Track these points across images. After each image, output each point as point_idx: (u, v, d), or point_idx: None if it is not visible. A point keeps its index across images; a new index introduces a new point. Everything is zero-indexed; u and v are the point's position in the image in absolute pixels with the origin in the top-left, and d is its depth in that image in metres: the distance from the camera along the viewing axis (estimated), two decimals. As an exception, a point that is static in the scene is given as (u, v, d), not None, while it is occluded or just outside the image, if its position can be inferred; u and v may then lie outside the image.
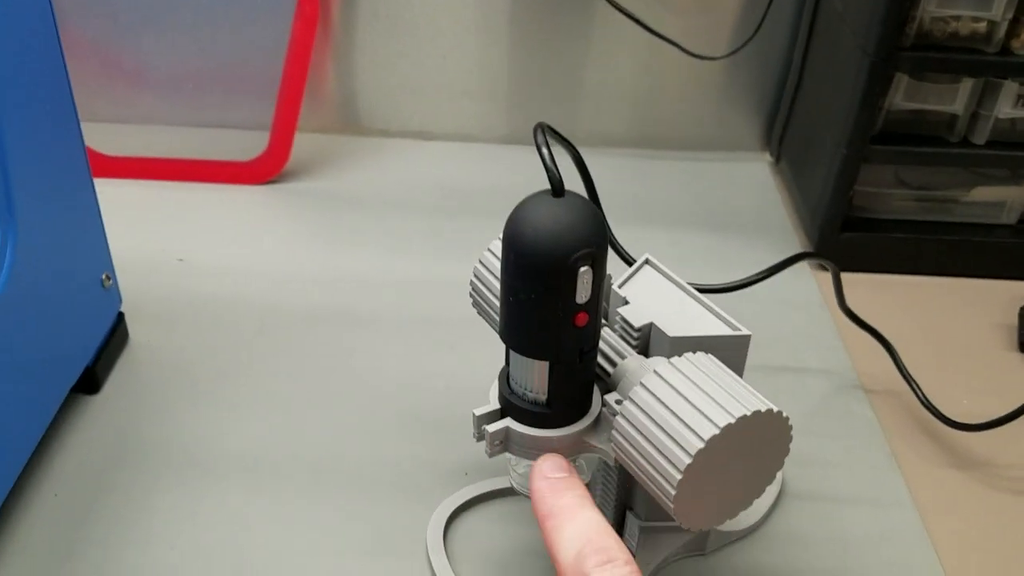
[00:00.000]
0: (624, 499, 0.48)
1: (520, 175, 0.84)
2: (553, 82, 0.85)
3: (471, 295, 0.48)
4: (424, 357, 0.61)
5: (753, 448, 0.37)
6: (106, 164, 0.77)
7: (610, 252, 0.56)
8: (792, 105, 0.82)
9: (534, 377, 0.39)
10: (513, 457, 0.44)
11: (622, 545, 0.35)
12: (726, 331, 0.41)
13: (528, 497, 0.44)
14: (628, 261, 0.53)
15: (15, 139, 0.46)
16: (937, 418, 0.56)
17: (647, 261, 0.46)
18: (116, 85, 0.84)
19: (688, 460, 0.35)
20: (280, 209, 0.76)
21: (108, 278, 0.57)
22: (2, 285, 0.46)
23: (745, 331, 0.41)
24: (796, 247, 0.74)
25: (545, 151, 0.36)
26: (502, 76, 0.84)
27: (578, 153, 0.47)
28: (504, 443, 0.41)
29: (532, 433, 0.40)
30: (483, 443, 0.41)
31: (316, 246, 0.72)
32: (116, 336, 0.59)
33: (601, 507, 0.49)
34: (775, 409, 0.36)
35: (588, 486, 0.50)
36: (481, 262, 0.46)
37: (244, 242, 0.72)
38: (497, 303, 0.44)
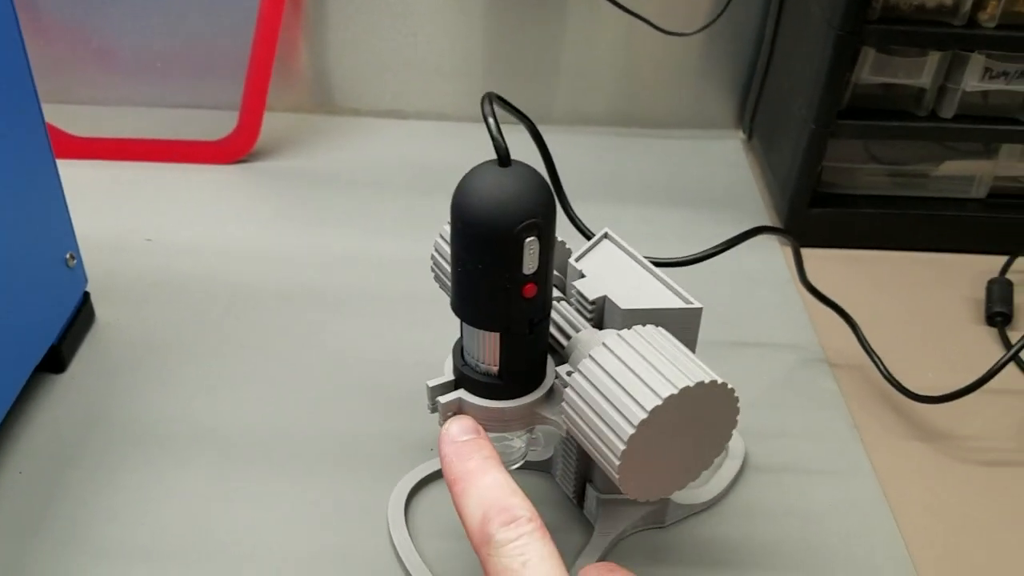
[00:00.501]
0: (584, 472, 0.48)
1: (493, 154, 0.84)
2: (527, 60, 0.85)
3: (432, 268, 0.48)
4: (394, 334, 0.61)
5: (700, 419, 0.37)
6: (76, 145, 0.77)
7: (569, 227, 0.56)
8: (763, 82, 0.82)
9: (485, 348, 0.39)
10: (471, 430, 0.44)
11: (527, 503, 0.35)
12: (678, 304, 0.42)
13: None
14: (587, 235, 0.54)
15: None
16: (899, 391, 0.56)
17: (606, 235, 0.46)
18: (85, 66, 0.83)
19: (631, 431, 0.35)
20: (250, 188, 0.76)
21: (72, 257, 0.57)
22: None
23: (696, 304, 0.41)
24: (766, 223, 0.74)
25: (491, 121, 0.36)
26: (475, 54, 0.84)
27: (534, 126, 0.47)
28: (457, 414, 0.41)
29: (484, 404, 0.40)
30: (438, 415, 0.41)
31: (286, 225, 0.72)
32: (82, 315, 0.59)
33: (561, 480, 0.50)
34: (719, 380, 0.36)
35: (550, 460, 0.51)
36: (441, 235, 0.47)
37: (213, 221, 0.72)
38: None
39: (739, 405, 0.38)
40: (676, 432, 0.37)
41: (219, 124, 0.79)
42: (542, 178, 0.37)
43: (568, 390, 0.38)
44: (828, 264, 0.69)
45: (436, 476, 0.51)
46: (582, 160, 0.83)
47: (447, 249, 0.45)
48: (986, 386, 0.54)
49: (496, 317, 0.38)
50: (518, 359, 0.40)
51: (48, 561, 0.46)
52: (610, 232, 0.46)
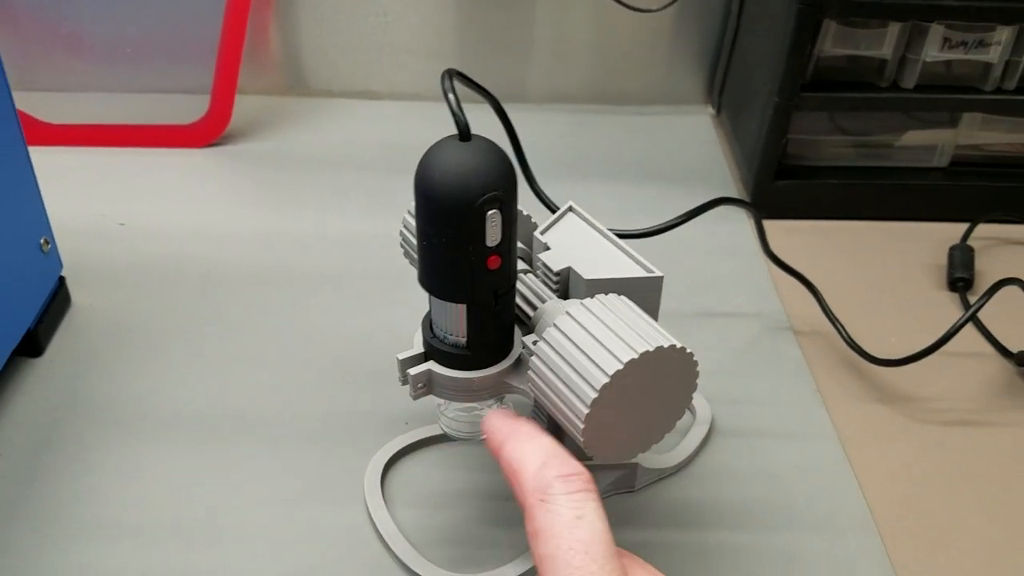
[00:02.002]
0: (554, 438, 0.49)
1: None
2: (498, 39, 0.85)
3: (401, 244, 0.49)
4: (368, 312, 0.62)
5: (661, 383, 0.39)
6: (47, 132, 0.77)
7: (536, 201, 0.57)
8: (730, 56, 0.83)
9: (453, 320, 0.40)
10: (442, 402, 0.45)
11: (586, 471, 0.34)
12: (640, 273, 0.43)
13: (459, 438, 0.46)
14: (552, 209, 0.55)
15: None
16: (860, 355, 0.57)
17: (571, 208, 0.48)
18: (54, 52, 0.83)
19: (594, 395, 0.36)
20: (222, 172, 0.77)
21: (47, 243, 0.58)
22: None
23: (658, 272, 0.43)
24: (734, 196, 0.76)
25: (451, 96, 0.37)
26: (447, 33, 0.85)
27: (497, 102, 0.48)
28: (428, 386, 0.42)
29: (453, 375, 0.42)
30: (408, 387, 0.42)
31: (259, 207, 0.73)
32: (58, 300, 0.59)
33: None
34: (678, 345, 0.38)
35: None
36: (409, 211, 0.47)
37: (186, 205, 0.72)
38: None
39: (699, 370, 0.40)
40: (638, 396, 0.38)
41: (190, 108, 0.79)
42: (503, 152, 0.37)
43: (534, 358, 0.40)
44: (794, 235, 0.71)
45: (411, 449, 0.52)
46: (553, 137, 0.84)
47: (415, 225, 0.46)
48: (946, 349, 0.56)
49: (461, 289, 0.39)
50: (485, 330, 0.41)
51: (30, 541, 0.47)
52: (574, 205, 0.47)
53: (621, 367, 0.36)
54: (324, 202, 0.73)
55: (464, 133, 0.37)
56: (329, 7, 0.82)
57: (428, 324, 0.42)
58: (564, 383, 0.38)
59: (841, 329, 0.59)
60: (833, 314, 0.60)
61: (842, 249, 0.71)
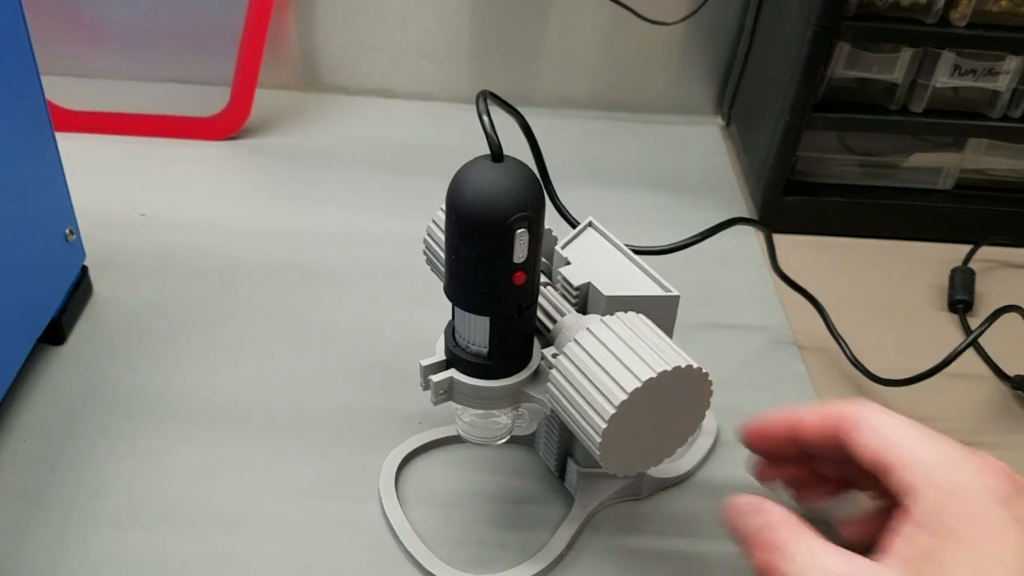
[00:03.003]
0: (565, 447, 0.51)
1: (477, 135, 0.86)
2: (513, 43, 0.87)
3: (424, 252, 0.50)
4: (382, 311, 0.63)
5: (675, 400, 0.40)
6: (67, 118, 0.78)
7: (555, 214, 0.59)
8: (743, 70, 0.84)
9: (476, 331, 0.42)
10: (459, 407, 0.47)
11: None
12: (658, 291, 0.45)
13: (474, 443, 0.47)
14: (572, 223, 0.56)
15: None
16: (863, 373, 0.59)
17: (590, 224, 0.49)
18: (76, 39, 0.84)
19: (612, 411, 0.38)
20: (241, 165, 0.78)
21: (71, 232, 0.59)
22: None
23: (675, 292, 0.44)
24: (743, 210, 0.77)
25: (485, 118, 0.38)
26: (462, 36, 0.86)
27: (524, 120, 0.49)
28: (448, 392, 0.44)
29: (474, 383, 0.43)
30: (430, 392, 0.44)
31: (277, 201, 0.74)
32: (80, 289, 0.61)
33: (544, 454, 0.52)
34: (695, 365, 0.39)
35: (533, 435, 0.53)
36: (434, 221, 0.49)
37: (205, 197, 0.73)
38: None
39: (712, 388, 0.41)
40: (653, 412, 0.40)
41: (211, 100, 0.80)
42: (533, 174, 0.39)
43: (553, 371, 0.41)
44: (800, 250, 0.72)
45: (425, 449, 0.53)
46: (563, 143, 0.85)
47: (440, 235, 0.47)
48: (946, 370, 0.57)
49: (487, 302, 0.40)
50: (507, 341, 0.42)
51: (51, 528, 0.48)
52: (594, 221, 0.49)
53: (639, 384, 0.38)
54: (340, 199, 0.74)
55: (497, 155, 0.38)
56: (348, 5, 0.84)
57: (451, 332, 0.44)
58: (583, 397, 0.39)
59: (844, 346, 0.61)
60: (837, 331, 0.62)
61: (846, 266, 0.72)
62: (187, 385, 0.57)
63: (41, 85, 0.55)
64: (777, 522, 0.37)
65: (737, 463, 0.54)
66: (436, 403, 0.44)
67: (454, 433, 0.53)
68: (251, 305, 0.63)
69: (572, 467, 0.51)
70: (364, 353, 0.60)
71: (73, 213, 0.59)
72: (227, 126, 0.79)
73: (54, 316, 0.57)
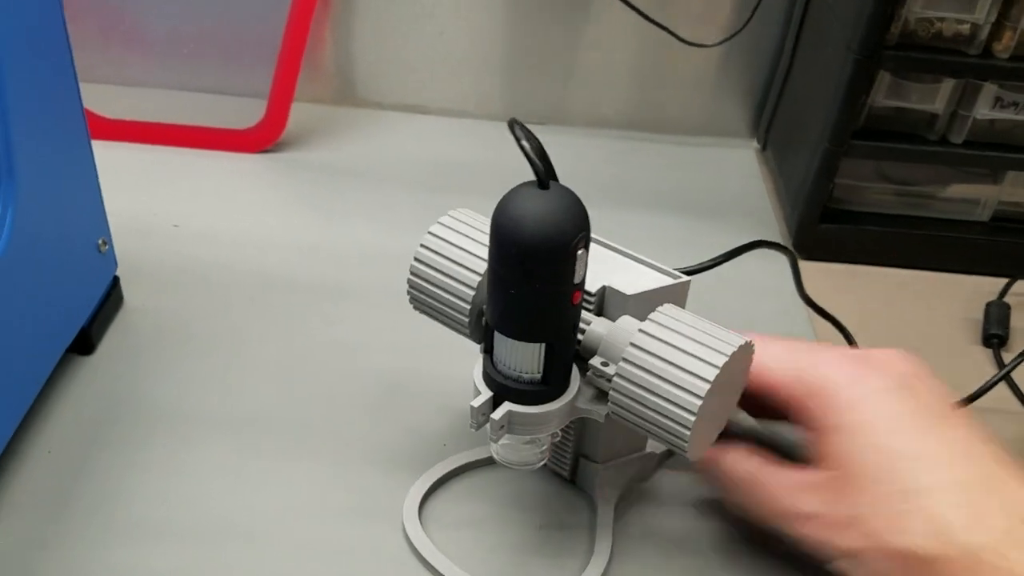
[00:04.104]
0: (577, 447, 0.51)
1: (511, 153, 0.85)
2: (548, 61, 0.86)
3: (410, 291, 0.49)
4: (409, 329, 0.62)
5: (730, 377, 0.42)
6: (104, 126, 0.78)
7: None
8: (780, 94, 0.84)
9: (528, 358, 0.41)
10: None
11: None
12: (671, 281, 0.46)
13: (510, 467, 0.47)
14: None
15: (16, 100, 0.47)
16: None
17: None
18: (113, 46, 0.84)
19: (699, 402, 0.39)
20: (274, 178, 0.78)
21: (104, 243, 0.59)
22: (3, 244, 0.47)
23: (685, 278, 0.46)
24: (776, 235, 0.76)
25: (526, 144, 0.38)
26: (497, 53, 0.86)
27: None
28: (507, 426, 0.43)
29: (534, 411, 0.43)
30: (469, 420, 0.43)
31: (308, 216, 0.74)
32: (111, 299, 0.61)
33: (558, 455, 0.52)
34: (747, 341, 0.42)
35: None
36: (418, 259, 0.48)
37: (238, 210, 0.73)
38: (450, 297, 0.46)
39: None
40: (718, 393, 0.41)
41: (246, 112, 0.80)
42: (575, 194, 0.39)
43: (617, 379, 0.42)
44: (833, 278, 0.71)
45: (450, 476, 0.53)
46: (594, 161, 0.85)
47: (438, 276, 0.46)
48: (977, 405, 0.57)
49: (548, 328, 0.40)
50: (561, 362, 0.42)
51: (73, 538, 0.48)
52: None
53: (718, 371, 0.39)
54: (371, 215, 0.74)
55: (544, 182, 0.38)
56: (387, 21, 0.84)
57: (491, 364, 0.43)
58: (661, 396, 0.40)
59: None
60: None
61: (879, 296, 0.71)
62: (211, 399, 0.57)
63: (79, 94, 0.55)
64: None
65: None
66: (496, 440, 0.44)
67: (480, 456, 0.53)
68: (278, 320, 0.63)
69: (588, 467, 0.51)
70: (389, 372, 0.59)
71: (107, 224, 0.60)
72: (262, 139, 0.79)
73: (84, 326, 0.57)
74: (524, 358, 0.41)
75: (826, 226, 0.73)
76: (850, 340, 0.62)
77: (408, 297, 0.49)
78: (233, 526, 0.49)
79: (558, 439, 0.53)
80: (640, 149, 0.87)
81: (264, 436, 0.54)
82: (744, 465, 0.46)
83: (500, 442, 0.46)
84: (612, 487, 0.51)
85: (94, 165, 0.57)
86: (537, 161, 0.38)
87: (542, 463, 0.47)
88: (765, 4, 0.80)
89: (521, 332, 0.40)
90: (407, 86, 0.87)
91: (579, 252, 0.38)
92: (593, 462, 0.51)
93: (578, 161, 0.83)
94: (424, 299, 0.48)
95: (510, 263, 0.38)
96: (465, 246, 0.46)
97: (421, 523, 0.50)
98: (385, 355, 0.61)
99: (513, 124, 0.39)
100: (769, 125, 0.86)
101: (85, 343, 0.58)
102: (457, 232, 0.47)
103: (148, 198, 0.73)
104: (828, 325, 0.63)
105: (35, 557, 0.47)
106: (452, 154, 0.83)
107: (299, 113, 0.83)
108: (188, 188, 0.75)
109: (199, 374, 0.58)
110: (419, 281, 0.48)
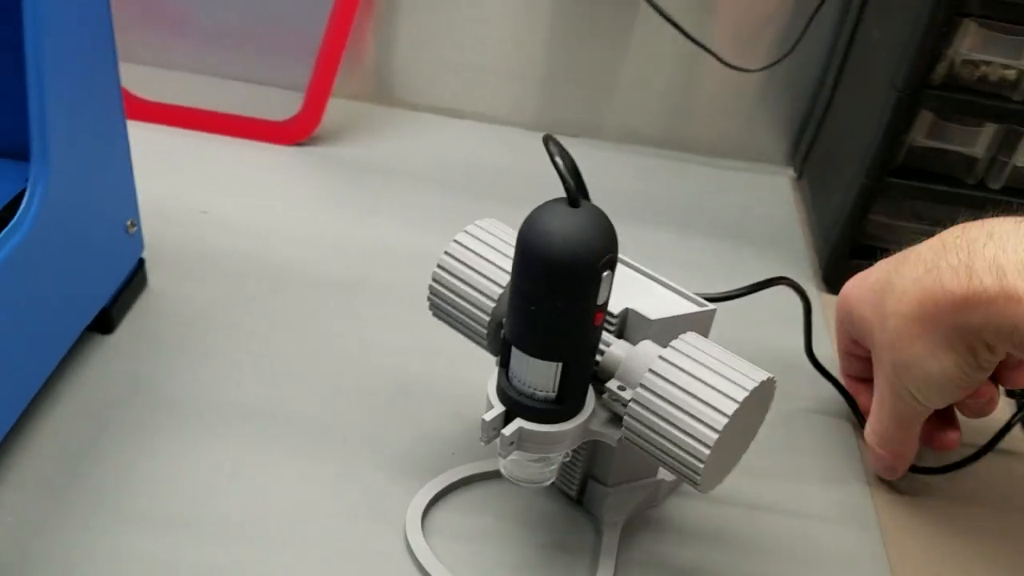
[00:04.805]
0: (587, 468, 0.51)
1: (542, 163, 0.85)
2: (587, 74, 0.86)
3: (431, 298, 0.49)
4: (428, 331, 0.62)
5: (749, 411, 0.41)
6: (142, 107, 0.79)
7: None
8: (820, 125, 0.83)
9: (544, 376, 0.41)
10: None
11: None
12: (696, 308, 0.45)
13: (517, 484, 0.46)
14: None
15: (55, 82, 0.47)
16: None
17: None
18: (157, 30, 0.85)
19: (716, 435, 0.39)
20: (306, 172, 0.78)
21: (133, 224, 0.59)
22: (30, 221, 0.47)
23: (711, 306, 0.45)
24: (806, 267, 0.75)
25: (559, 161, 0.38)
26: (537, 63, 0.86)
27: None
28: (517, 442, 0.43)
29: (546, 429, 0.42)
30: (479, 430, 0.43)
31: (336, 212, 0.74)
32: (135, 281, 0.61)
33: (567, 475, 0.52)
34: (771, 376, 0.41)
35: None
36: (442, 267, 0.47)
37: (268, 201, 0.73)
38: (471, 308, 0.46)
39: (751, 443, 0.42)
40: (736, 427, 0.40)
41: (282, 103, 0.81)
42: (606, 215, 0.38)
43: (633, 405, 0.41)
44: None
45: (457, 486, 0.52)
46: (624, 178, 0.84)
47: (459, 284, 0.46)
48: (998, 452, 0.57)
49: (567, 347, 0.40)
50: (577, 382, 0.42)
51: (74, 522, 0.48)
52: None
53: (738, 405, 0.39)
54: (399, 215, 0.74)
55: (575, 200, 0.38)
56: (426, 23, 0.84)
57: (505, 379, 0.43)
58: (678, 427, 0.40)
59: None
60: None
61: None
62: (224, 389, 0.56)
63: (119, 77, 0.55)
64: None
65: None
66: (505, 456, 0.43)
67: (487, 469, 0.52)
68: (298, 314, 0.63)
69: (596, 489, 0.50)
70: (404, 373, 0.59)
71: (137, 206, 0.60)
72: (297, 132, 0.80)
73: (105, 305, 0.58)
74: (540, 376, 0.41)
75: (857, 261, 0.72)
76: (855, 411, 0.61)
77: (428, 304, 0.49)
78: (234, 522, 0.49)
79: (568, 459, 0.52)
80: (671, 168, 0.87)
81: (273, 431, 0.54)
82: None
83: (509, 458, 0.46)
84: (619, 511, 0.51)
85: (128, 147, 0.58)
86: (569, 179, 0.37)
87: (549, 482, 0.46)
88: (811, 33, 0.80)
89: (539, 350, 0.40)
90: (445, 89, 0.87)
91: (605, 273, 0.38)
92: (602, 485, 0.50)
93: (608, 176, 0.83)
94: (444, 307, 0.48)
95: (534, 279, 0.38)
96: (489, 257, 0.46)
97: (424, 532, 0.49)
98: (401, 356, 0.61)
99: (548, 140, 0.38)
100: (806, 155, 0.85)
101: (105, 322, 0.58)
102: (482, 242, 0.47)
103: (180, 183, 0.73)
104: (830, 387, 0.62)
105: (34, 538, 0.47)
106: (483, 159, 0.83)
107: (336, 109, 0.84)
108: (220, 175, 0.75)
109: (214, 363, 0.58)
110: (440, 288, 0.47)
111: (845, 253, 0.71)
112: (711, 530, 0.52)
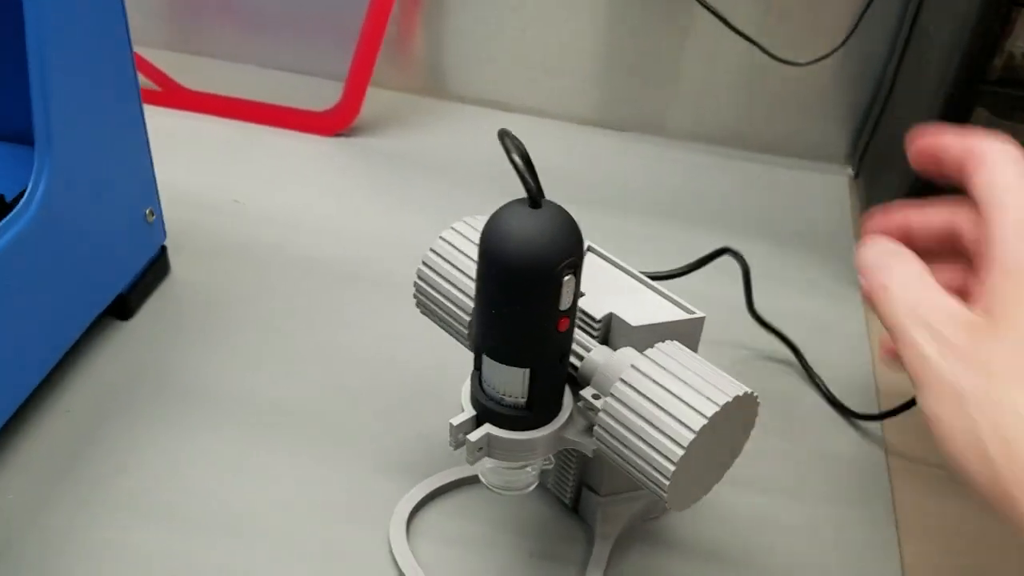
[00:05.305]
0: (580, 476, 0.49)
1: (587, 159, 0.83)
2: (634, 69, 0.84)
3: (416, 296, 0.47)
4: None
5: (728, 427, 0.39)
6: (185, 97, 0.80)
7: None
8: (877, 122, 0.79)
9: (512, 382, 0.39)
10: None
11: None
12: (683, 315, 0.43)
13: (494, 491, 0.45)
14: None
15: (58, 67, 0.48)
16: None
17: (589, 248, 0.47)
18: (203, 18, 0.86)
19: (681, 452, 0.36)
20: (343, 163, 0.78)
21: (152, 213, 0.60)
22: (35, 208, 0.48)
23: (699, 313, 0.43)
24: (854, 270, 0.71)
25: (518, 159, 0.36)
26: (584, 57, 0.84)
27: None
28: (485, 449, 0.41)
29: (514, 436, 0.41)
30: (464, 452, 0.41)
31: (371, 204, 0.73)
32: (156, 267, 0.62)
33: (555, 486, 0.51)
34: (748, 391, 0.38)
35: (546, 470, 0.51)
36: (425, 263, 0.46)
37: (301, 192, 0.74)
38: (451, 306, 0.44)
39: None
40: (710, 443, 0.38)
41: (325, 93, 0.81)
42: (570, 215, 0.37)
43: (603, 415, 0.39)
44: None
45: (446, 490, 0.51)
46: (671, 174, 0.81)
47: (439, 280, 0.45)
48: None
49: (531, 354, 0.38)
50: (546, 389, 0.40)
51: (71, 504, 0.48)
52: (593, 244, 0.47)
53: (706, 421, 0.36)
54: (434, 208, 0.73)
55: (535, 200, 0.36)
56: (471, 15, 0.83)
57: (478, 384, 0.41)
58: (643, 440, 0.37)
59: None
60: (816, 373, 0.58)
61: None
62: (237, 380, 0.57)
63: (134, 69, 0.56)
64: (886, 250, 0.38)
65: (742, 468, 0.51)
66: (472, 462, 0.42)
67: (473, 474, 0.51)
68: (317, 307, 0.63)
69: (590, 497, 0.49)
70: (414, 371, 0.58)
71: (156, 195, 0.60)
72: (336, 122, 0.80)
73: (122, 292, 0.58)
74: (507, 381, 0.39)
75: (904, 268, 0.68)
76: (797, 353, 0.59)
77: (415, 301, 0.48)
78: (226, 516, 0.49)
79: (551, 465, 0.51)
80: (719, 165, 0.84)
81: (276, 426, 0.54)
82: (911, 293, 0.36)
83: (486, 465, 0.44)
84: (613, 522, 0.49)
85: (145, 136, 0.58)
86: (528, 178, 0.36)
87: (529, 489, 0.45)
88: (873, 23, 0.76)
89: (502, 355, 0.39)
90: (489, 81, 0.86)
91: (566, 278, 0.36)
92: (595, 493, 0.48)
93: (652, 172, 0.81)
94: (428, 304, 0.47)
95: (492, 283, 0.37)
96: (473, 255, 0.44)
97: (411, 534, 0.48)
98: (414, 353, 0.60)
99: (503, 135, 0.37)
100: (863, 153, 0.81)
101: (123, 308, 0.59)
102: (468, 240, 0.45)
103: (215, 171, 0.74)
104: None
105: (28, 518, 0.47)
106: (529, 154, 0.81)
107: (381, 100, 0.84)
108: (256, 165, 0.76)
109: (228, 354, 0.58)
110: (424, 286, 0.46)
111: (892, 258, 0.67)
112: (711, 546, 0.50)
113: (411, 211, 0.73)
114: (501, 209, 0.36)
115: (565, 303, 0.37)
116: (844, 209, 0.80)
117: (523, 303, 0.36)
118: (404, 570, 0.46)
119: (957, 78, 0.59)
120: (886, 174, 0.73)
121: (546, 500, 0.51)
